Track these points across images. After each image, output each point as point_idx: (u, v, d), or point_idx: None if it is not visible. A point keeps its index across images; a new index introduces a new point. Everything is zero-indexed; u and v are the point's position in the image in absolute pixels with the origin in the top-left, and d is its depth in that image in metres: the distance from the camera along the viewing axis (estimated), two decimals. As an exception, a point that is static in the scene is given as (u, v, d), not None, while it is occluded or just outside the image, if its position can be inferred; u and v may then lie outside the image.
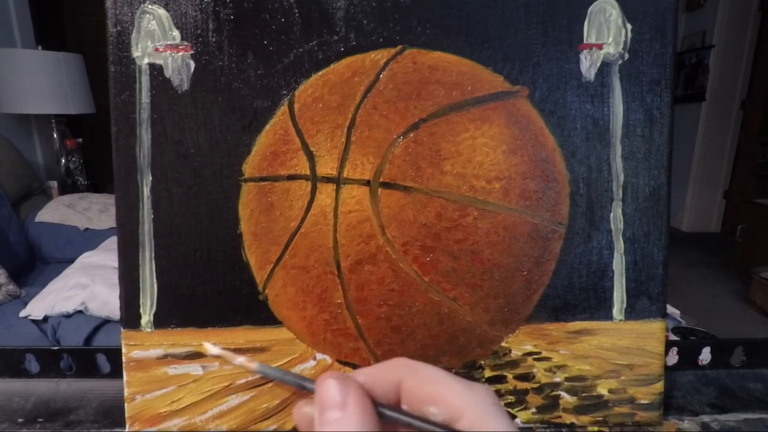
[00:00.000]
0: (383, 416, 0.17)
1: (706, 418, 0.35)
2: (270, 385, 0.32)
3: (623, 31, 0.31)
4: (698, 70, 3.34)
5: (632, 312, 0.33)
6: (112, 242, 1.45)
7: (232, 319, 0.32)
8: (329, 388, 0.16)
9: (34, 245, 1.66)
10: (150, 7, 0.30)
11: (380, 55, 0.31)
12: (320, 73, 0.31)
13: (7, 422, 0.34)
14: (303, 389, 0.19)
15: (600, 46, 0.31)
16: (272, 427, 0.32)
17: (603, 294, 0.33)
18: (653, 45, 0.31)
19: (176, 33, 0.30)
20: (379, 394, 0.17)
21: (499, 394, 0.33)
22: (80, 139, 2.10)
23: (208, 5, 0.30)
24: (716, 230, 3.49)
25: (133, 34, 0.30)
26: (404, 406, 0.17)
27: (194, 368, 0.31)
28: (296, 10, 0.30)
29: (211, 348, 0.25)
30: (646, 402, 0.33)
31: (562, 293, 0.33)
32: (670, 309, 1.13)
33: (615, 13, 0.31)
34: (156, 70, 0.30)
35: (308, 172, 0.31)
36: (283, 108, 0.31)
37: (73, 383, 0.38)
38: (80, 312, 1.13)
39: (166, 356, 0.31)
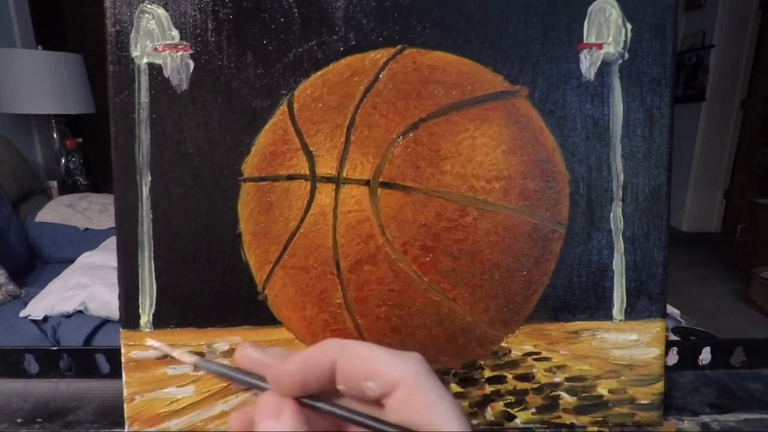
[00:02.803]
0: (315, 408, 0.18)
1: (706, 418, 0.35)
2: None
3: (623, 30, 0.31)
4: (698, 70, 3.34)
5: (632, 312, 0.33)
6: (112, 242, 1.45)
7: (231, 319, 0.32)
8: (267, 401, 0.18)
9: (34, 245, 1.66)
10: (149, 6, 0.29)
11: (380, 55, 0.31)
12: (320, 73, 0.30)
13: (6, 422, 0.34)
14: (254, 387, 0.20)
15: (600, 46, 0.31)
16: (272, 428, 0.32)
17: (603, 294, 0.33)
18: (653, 45, 0.31)
19: (175, 33, 0.30)
20: (313, 378, 0.18)
21: (499, 394, 0.33)
22: (80, 139, 2.10)
23: (207, 5, 0.30)
24: (716, 230, 3.49)
25: (132, 34, 0.30)
26: (340, 387, 0.18)
27: (193, 368, 0.31)
28: (296, 10, 0.30)
29: (151, 342, 0.28)
30: (646, 402, 0.33)
31: (562, 293, 0.33)
32: (670, 309, 1.13)
33: (615, 13, 0.31)
34: (155, 70, 0.30)
35: (307, 172, 0.31)
36: (283, 108, 0.31)
37: (73, 383, 0.38)
38: (80, 312, 1.13)
39: (165, 356, 0.31)
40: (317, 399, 0.18)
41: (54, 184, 2.02)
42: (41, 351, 0.38)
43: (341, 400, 0.19)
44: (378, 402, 0.18)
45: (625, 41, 0.31)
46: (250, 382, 0.20)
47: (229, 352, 0.32)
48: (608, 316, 0.33)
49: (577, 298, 0.33)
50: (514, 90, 0.31)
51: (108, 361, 0.37)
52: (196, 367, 0.27)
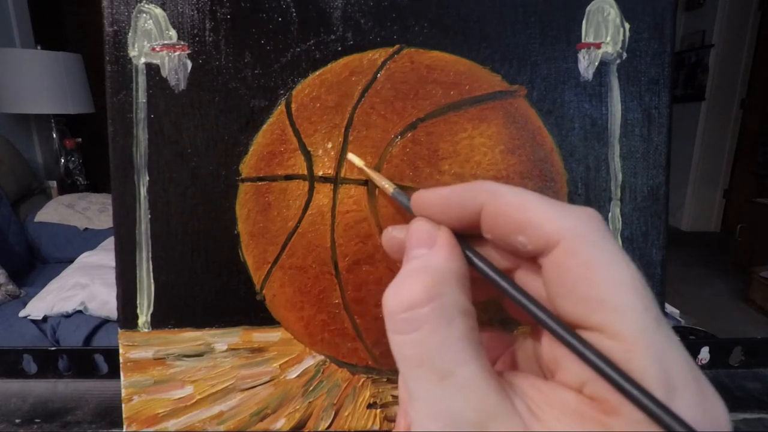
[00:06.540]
0: (468, 260, 0.16)
1: (704, 418, 0.35)
2: (269, 384, 0.32)
3: (621, 30, 0.31)
4: (698, 70, 3.34)
5: (630, 312, 0.33)
6: (112, 242, 1.44)
7: (229, 319, 0.32)
8: (420, 228, 0.16)
9: (34, 245, 1.66)
10: (146, 6, 0.29)
11: (378, 55, 0.30)
12: (317, 73, 0.30)
13: (4, 423, 0.34)
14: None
15: (598, 46, 0.31)
16: (272, 427, 0.32)
17: (601, 294, 0.33)
18: (651, 44, 0.31)
19: (173, 32, 0.30)
20: (453, 216, 0.16)
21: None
22: (79, 139, 2.10)
23: (205, 4, 0.30)
24: (716, 229, 3.49)
25: (130, 34, 0.30)
26: (487, 235, 0.16)
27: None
28: (293, 10, 0.30)
29: (355, 159, 0.29)
30: (644, 402, 0.33)
31: (561, 293, 0.32)
32: (669, 308, 1.13)
33: (613, 13, 0.31)
34: (153, 70, 0.30)
35: (305, 172, 0.31)
36: (281, 108, 0.31)
37: (71, 384, 0.38)
38: (80, 312, 1.14)
39: (164, 357, 0.31)
40: (468, 247, 0.16)
41: (53, 184, 2.02)
42: (39, 351, 0.38)
43: (493, 252, 0.16)
44: (535, 260, 0.15)
45: (624, 41, 0.31)
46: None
47: (228, 352, 0.32)
48: (607, 316, 0.33)
49: (575, 297, 0.33)
50: (512, 90, 0.31)
51: (106, 361, 0.37)
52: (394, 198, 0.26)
